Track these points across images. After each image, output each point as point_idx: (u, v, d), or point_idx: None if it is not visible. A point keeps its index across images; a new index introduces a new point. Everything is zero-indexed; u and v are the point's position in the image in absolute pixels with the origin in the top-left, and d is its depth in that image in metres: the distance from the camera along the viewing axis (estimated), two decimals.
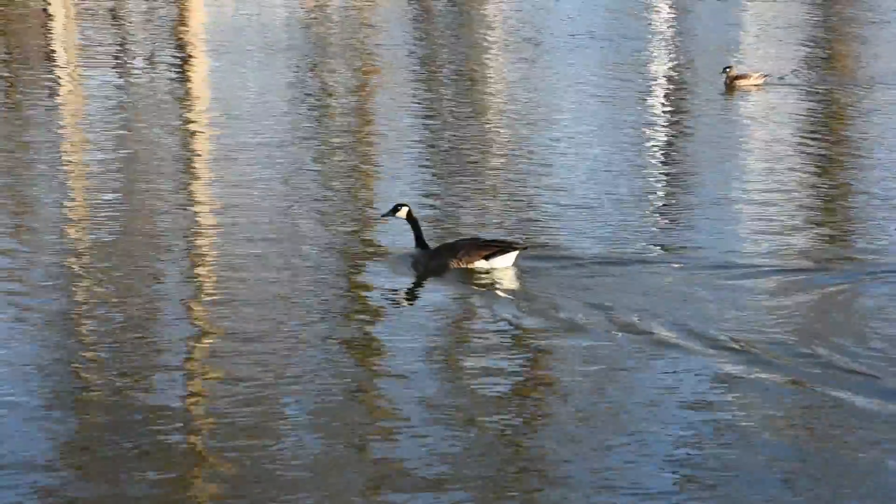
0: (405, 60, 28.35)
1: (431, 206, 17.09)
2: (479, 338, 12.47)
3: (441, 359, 12.03)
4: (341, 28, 33.11)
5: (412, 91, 25.29)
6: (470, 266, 14.15)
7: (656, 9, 36.53)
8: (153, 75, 25.96)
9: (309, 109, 23.20)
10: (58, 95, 23.62)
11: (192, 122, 21.92)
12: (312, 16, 34.56)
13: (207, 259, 14.63)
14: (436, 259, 14.32)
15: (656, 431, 10.45)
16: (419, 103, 24.19)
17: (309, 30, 32.48)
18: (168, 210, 16.28)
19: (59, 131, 20.82)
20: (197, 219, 16.15)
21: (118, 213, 16.08)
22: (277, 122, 21.71)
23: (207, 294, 13.47)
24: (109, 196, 16.70)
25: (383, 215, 14.87)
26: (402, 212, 14.49)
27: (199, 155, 19.69)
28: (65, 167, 18.41)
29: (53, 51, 28.21)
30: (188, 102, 23.71)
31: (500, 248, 14.23)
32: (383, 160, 19.70)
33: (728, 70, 24.76)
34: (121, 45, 29.18)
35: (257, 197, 16.95)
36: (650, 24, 34.13)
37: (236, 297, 13.30)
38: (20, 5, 33.79)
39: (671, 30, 33.46)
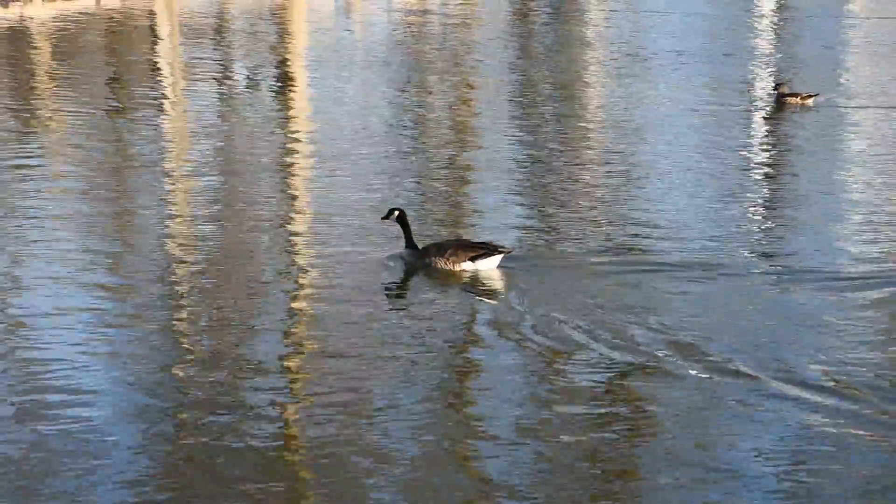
0: (504, 77, 28.41)
1: (529, 217, 17.18)
2: (576, 356, 12.42)
3: (531, 376, 11.97)
4: (441, 46, 33.30)
5: (511, 106, 25.36)
6: (457, 267, 14.51)
7: (759, 27, 36.25)
8: (255, 91, 26.31)
9: (408, 124, 23.34)
10: (162, 111, 24.01)
11: (293, 136, 22.16)
12: (413, 34, 34.80)
13: (307, 273, 14.74)
14: (424, 258, 14.71)
15: (754, 457, 10.36)
16: (517, 118, 24.23)
17: (409, 47, 32.71)
18: (268, 223, 16.40)
19: (163, 146, 21.15)
20: (296, 232, 16.29)
21: (219, 227, 16.24)
22: (376, 137, 21.88)
23: (306, 308, 13.59)
24: (211, 209, 16.84)
25: (382, 218, 15.23)
26: (394, 215, 14.96)
27: (299, 169, 19.89)
28: (168, 182, 18.68)
29: (158, 67, 28.70)
30: (289, 117, 23.99)
31: (486, 251, 14.58)
32: (482, 173, 19.76)
33: (779, 87, 24.86)
34: (224, 61, 29.62)
35: (356, 210, 17.07)
36: (752, 42, 33.87)
37: (336, 311, 13.38)
38: (129, 24, 34.46)
39: (773, 48, 33.15)
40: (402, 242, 14.96)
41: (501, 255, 14.60)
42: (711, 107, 24.89)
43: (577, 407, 11.07)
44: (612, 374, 11.82)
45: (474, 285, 14.21)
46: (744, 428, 10.68)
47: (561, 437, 10.49)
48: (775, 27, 36.66)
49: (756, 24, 36.98)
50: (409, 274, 14.62)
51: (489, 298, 13.80)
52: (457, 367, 11.99)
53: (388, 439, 10.32)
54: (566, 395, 11.34)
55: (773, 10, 39.90)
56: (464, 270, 14.50)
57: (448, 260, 14.54)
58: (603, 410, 11.08)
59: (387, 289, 14.25)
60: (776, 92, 24.94)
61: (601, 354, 12.21)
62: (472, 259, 14.54)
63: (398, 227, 15.06)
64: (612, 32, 35.66)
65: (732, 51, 31.72)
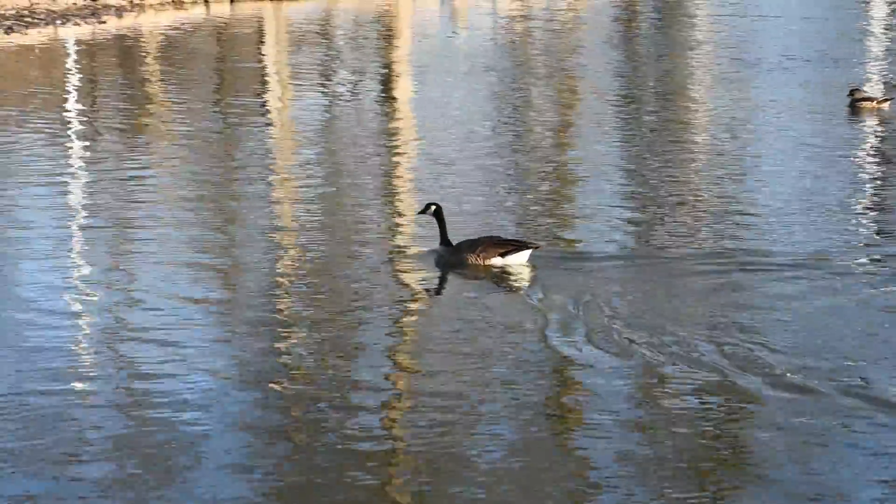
0: (608, 81, 28.31)
1: (630, 218, 17.14)
2: (683, 355, 12.32)
3: (635, 377, 11.90)
4: (545, 51, 33.28)
5: (614, 110, 25.27)
6: (487, 262, 14.80)
7: (870, 32, 35.66)
8: (359, 97, 26.52)
9: (512, 129, 23.35)
10: (268, 117, 24.30)
11: (397, 142, 22.30)
12: (517, 39, 34.83)
13: (409, 274, 14.81)
14: (457, 254, 15.00)
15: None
16: (621, 121, 24.15)
17: (513, 52, 32.74)
18: (373, 229, 16.45)
19: (269, 153, 21.40)
20: (399, 233, 16.38)
21: (325, 233, 16.30)
22: (480, 142, 21.93)
23: (410, 315, 13.65)
24: (316, 216, 16.86)
25: (418, 213, 15.61)
26: (431, 210, 15.30)
27: (402, 172, 20.01)
28: (274, 189, 18.88)
29: (265, 74, 29.06)
30: (393, 123, 24.13)
31: (516, 246, 14.90)
32: (585, 176, 19.72)
33: (855, 93, 24.42)
34: (329, 67, 29.91)
35: (460, 213, 17.12)
36: (862, 47, 33.34)
37: (440, 313, 13.45)
38: (237, 32, 34.96)
39: (884, 53, 32.59)
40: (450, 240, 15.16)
41: (531, 251, 14.93)
42: (817, 111, 24.57)
43: (677, 406, 10.97)
44: (712, 386, 11.68)
45: (574, 288, 14.16)
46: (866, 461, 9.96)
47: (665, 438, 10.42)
48: (887, 32, 36.01)
49: (867, 29, 36.39)
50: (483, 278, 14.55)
51: (584, 302, 13.72)
52: (554, 370, 11.95)
53: (491, 450, 10.26)
54: (668, 399, 11.25)
55: (886, 15, 39.22)
56: (494, 265, 14.78)
57: (479, 255, 14.88)
58: (702, 417, 10.96)
59: (474, 293, 14.21)
60: (850, 97, 24.46)
61: (699, 357, 12.08)
62: (503, 255, 14.87)
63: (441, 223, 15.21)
64: (718, 37, 35.34)
65: (842, 55, 31.25)
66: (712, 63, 30.84)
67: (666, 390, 11.32)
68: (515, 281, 14.44)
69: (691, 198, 18.27)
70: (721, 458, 10.13)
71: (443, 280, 14.50)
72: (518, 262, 14.88)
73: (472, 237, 15.32)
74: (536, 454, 10.14)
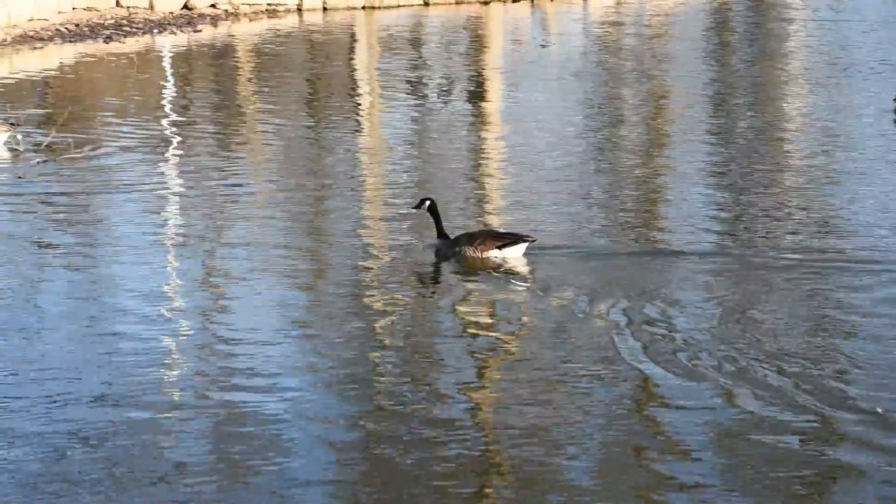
0: (699, 87, 28.15)
1: (721, 220, 17.15)
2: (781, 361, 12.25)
3: (717, 387, 11.83)
4: (636, 56, 33.17)
5: (705, 115, 25.17)
6: (484, 255, 15.10)
7: None
8: (450, 104, 26.64)
9: (601, 133, 23.32)
10: (359, 124, 24.49)
11: (486, 144, 22.40)
12: (608, 46, 34.75)
13: (491, 281, 14.87)
14: (455, 247, 15.27)
15: None
16: (712, 126, 24.03)
17: (604, 57, 32.67)
18: (462, 231, 16.45)
19: (360, 159, 21.58)
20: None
21: (416, 237, 16.38)
22: (568, 145, 21.96)
23: (494, 315, 13.71)
24: (406, 222, 16.83)
25: (413, 208, 15.88)
26: (425, 205, 15.55)
27: (491, 177, 20.09)
28: (363, 192, 19.05)
29: (356, 81, 29.31)
30: (482, 127, 24.23)
31: (513, 239, 15.21)
32: (675, 181, 19.69)
33: None
34: (419, 72, 30.08)
35: (546, 219, 17.17)
36: None
37: (524, 319, 13.48)
38: (329, 39, 35.30)
39: None
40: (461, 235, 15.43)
41: (527, 244, 15.23)
42: None
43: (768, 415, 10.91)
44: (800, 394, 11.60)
45: (654, 289, 14.13)
46: None
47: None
48: None
49: None
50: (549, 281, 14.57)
51: (678, 304, 13.69)
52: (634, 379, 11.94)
53: (577, 462, 10.25)
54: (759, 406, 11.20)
55: None
56: (492, 258, 15.07)
57: (477, 248, 15.18)
58: (792, 432, 10.88)
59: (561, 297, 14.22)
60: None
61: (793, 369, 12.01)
62: (500, 247, 15.17)
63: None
64: (814, 42, 34.98)
65: None
66: (805, 67, 30.52)
67: (756, 401, 11.16)
68: (602, 284, 14.42)
69: (781, 202, 18.13)
70: (810, 480, 10.03)
71: (531, 289, 14.40)
72: (514, 256, 15.21)
73: (469, 231, 15.69)
74: (620, 468, 10.13)
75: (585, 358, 12.11)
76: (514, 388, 11.40)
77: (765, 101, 26.72)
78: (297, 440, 10.29)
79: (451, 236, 15.51)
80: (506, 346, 12.59)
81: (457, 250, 15.32)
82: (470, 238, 15.38)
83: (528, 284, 14.31)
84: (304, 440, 10.30)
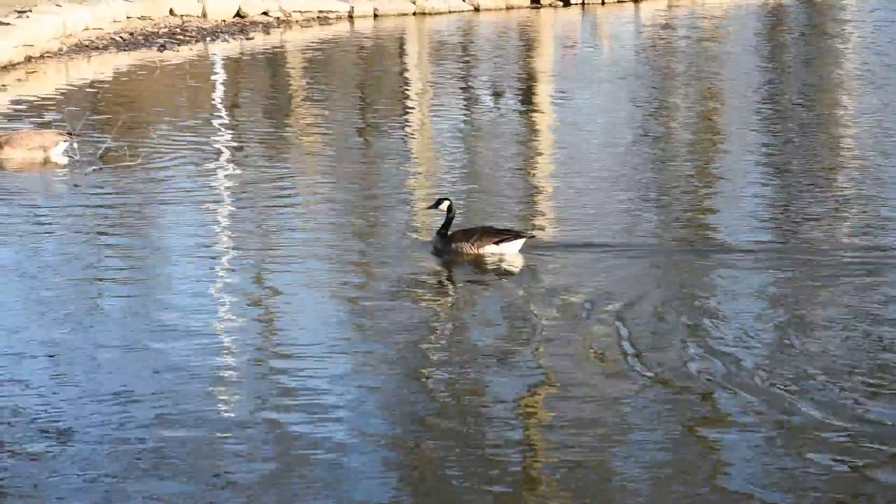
0: (751, 89, 27.99)
1: (778, 220, 17.16)
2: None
3: (772, 397, 11.74)
4: (688, 58, 33.01)
5: (757, 116, 25.04)
6: (480, 250, 15.29)
7: None
8: (500, 105, 26.63)
9: (652, 135, 23.24)
10: (409, 130, 24.51)
11: (536, 147, 22.39)
12: (660, 49, 34.62)
13: (548, 280, 14.86)
14: (451, 243, 15.45)
15: None
16: (764, 128, 23.91)
17: (655, 60, 32.55)
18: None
19: (410, 161, 21.64)
20: (544, 248, 16.42)
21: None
22: (620, 147, 21.92)
23: (554, 325, 13.68)
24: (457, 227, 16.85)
25: (428, 207, 16.17)
26: (444, 205, 15.80)
27: (542, 182, 20.08)
28: (414, 197, 19.07)
29: (407, 87, 29.36)
30: (533, 130, 24.21)
31: (510, 235, 15.38)
32: (727, 182, 19.61)
33: None
34: (470, 77, 30.10)
35: (598, 219, 17.13)
36: None
37: (588, 326, 13.45)
38: (380, 46, 35.42)
39: None
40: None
41: (524, 240, 15.39)
42: None
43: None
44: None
45: (711, 289, 14.04)
46: None
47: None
48: None
49: None
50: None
51: (730, 305, 13.61)
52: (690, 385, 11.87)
53: (632, 464, 10.21)
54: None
55: None
56: (489, 253, 15.28)
57: (473, 244, 15.35)
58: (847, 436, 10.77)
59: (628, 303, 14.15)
60: None
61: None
62: (497, 243, 15.33)
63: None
64: (870, 43, 34.67)
65: None
66: (861, 68, 30.25)
67: (814, 412, 11.05)
68: (658, 285, 14.37)
69: (838, 201, 18.04)
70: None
71: (596, 289, 14.34)
72: (511, 252, 15.35)
73: (465, 227, 15.86)
74: (678, 472, 10.07)
75: (651, 362, 12.06)
76: (569, 404, 11.26)
77: (819, 102, 26.52)
78: (351, 462, 10.19)
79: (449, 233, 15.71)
80: (558, 357, 12.53)
81: (453, 247, 15.46)
82: (466, 234, 15.55)
83: (580, 292, 14.23)
84: (359, 461, 10.20)
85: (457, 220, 16.07)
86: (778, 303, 13.72)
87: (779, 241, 16.22)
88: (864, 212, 17.43)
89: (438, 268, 15.33)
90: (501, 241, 15.37)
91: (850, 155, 21.40)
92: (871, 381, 11.47)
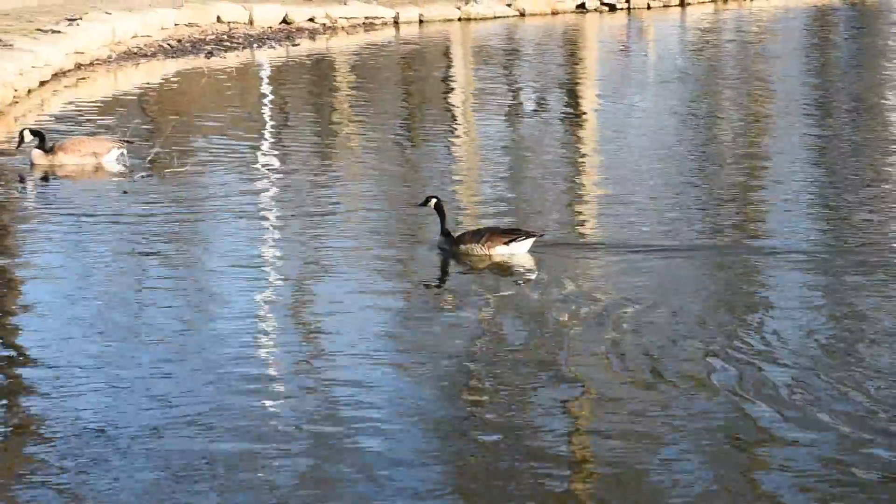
0: (799, 91, 27.86)
1: (826, 222, 17.21)
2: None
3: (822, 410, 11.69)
4: (734, 61, 32.90)
5: (805, 119, 24.94)
6: (492, 251, 15.37)
7: None
8: (545, 108, 26.64)
9: (699, 139, 23.19)
10: (453, 136, 24.55)
11: (582, 153, 22.40)
12: (706, 52, 34.50)
13: (599, 282, 14.87)
14: (460, 244, 15.53)
15: None
16: (811, 131, 23.81)
17: (701, 63, 32.44)
18: (563, 248, 16.32)
19: (454, 169, 21.68)
20: (582, 243, 16.43)
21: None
22: (665, 149, 21.90)
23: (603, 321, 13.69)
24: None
25: (418, 205, 16.26)
26: (432, 203, 15.93)
27: (586, 189, 20.08)
28: (459, 202, 19.11)
29: (451, 93, 29.42)
30: (578, 135, 24.20)
31: (520, 235, 15.46)
32: (775, 186, 19.58)
33: None
34: (515, 81, 30.13)
35: (645, 220, 17.12)
36: None
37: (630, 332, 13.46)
38: (424, 52, 35.50)
39: None
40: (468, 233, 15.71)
41: (534, 239, 15.48)
42: None
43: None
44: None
45: (759, 292, 14.00)
46: None
47: None
48: None
49: None
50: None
51: (778, 308, 13.57)
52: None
53: (675, 466, 10.23)
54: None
55: None
56: (499, 254, 15.37)
57: (483, 245, 15.43)
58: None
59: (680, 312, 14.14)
60: None
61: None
62: (507, 243, 15.40)
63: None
64: None
65: None
66: None
67: (861, 421, 11.00)
68: (709, 287, 14.34)
69: (886, 203, 17.95)
70: None
71: (652, 289, 14.35)
72: (521, 252, 15.44)
73: (472, 228, 15.96)
74: (721, 474, 10.06)
75: (693, 371, 12.05)
76: (619, 415, 11.21)
77: (867, 106, 26.34)
78: (395, 475, 10.16)
79: (454, 234, 15.81)
80: (605, 365, 12.53)
81: (462, 248, 15.53)
82: (476, 235, 15.62)
83: (629, 292, 14.22)
84: (404, 475, 10.17)
85: (504, 223, 16.13)
86: (827, 308, 13.66)
87: (829, 243, 16.17)
88: None
89: (482, 273, 15.35)
90: (511, 242, 15.45)
91: (893, 162, 21.30)
92: None
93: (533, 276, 15.08)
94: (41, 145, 20.77)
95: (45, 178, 20.40)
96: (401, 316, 13.82)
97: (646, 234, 16.50)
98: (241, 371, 12.13)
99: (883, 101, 26.76)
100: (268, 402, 11.48)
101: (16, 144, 21.07)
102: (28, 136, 20.85)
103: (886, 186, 19.34)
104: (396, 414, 11.18)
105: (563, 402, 11.45)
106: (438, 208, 15.92)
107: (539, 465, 10.14)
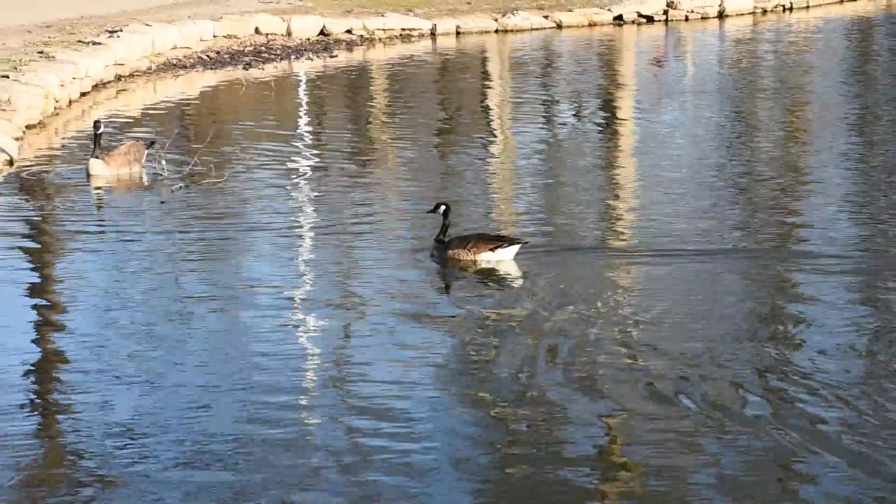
0: (838, 104, 27.76)
1: (861, 234, 17.19)
2: None
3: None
4: (773, 72, 32.79)
5: (842, 130, 24.84)
6: (477, 257, 15.60)
7: None
8: (582, 120, 26.66)
9: (736, 150, 23.14)
10: (489, 148, 24.57)
11: (616, 164, 22.42)
12: (744, 61, 34.41)
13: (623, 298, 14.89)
14: (448, 250, 15.79)
15: None
16: (848, 139, 23.71)
17: (740, 75, 32.35)
18: (598, 258, 16.42)
19: (490, 181, 21.73)
20: (618, 253, 16.46)
21: (540, 260, 16.34)
22: (703, 159, 21.92)
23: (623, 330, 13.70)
24: (536, 249, 16.61)
25: (428, 212, 16.57)
26: (441, 209, 16.23)
27: (622, 199, 20.11)
28: (496, 218, 19.15)
29: (487, 105, 29.47)
30: (614, 147, 24.21)
31: (505, 241, 15.69)
32: (813, 195, 19.60)
33: None
34: (551, 92, 30.15)
35: (680, 237, 17.14)
36: None
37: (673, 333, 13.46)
38: (462, 60, 35.57)
39: None
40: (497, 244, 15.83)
41: (519, 245, 15.67)
42: None
43: None
44: None
45: (799, 302, 13.99)
46: None
47: None
48: None
49: None
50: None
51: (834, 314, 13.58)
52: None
53: (708, 469, 10.26)
54: None
55: None
56: (484, 260, 15.59)
57: (470, 250, 15.65)
58: None
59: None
60: None
61: None
62: (492, 250, 15.61)
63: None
64: None
65: None
66: None
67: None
68: (741, 296, 14.34)
69: None
70: None
71: (675, 300, 14.40)
72: (507, 258, 15.64)
73: (461, 234, 16.14)
74: (751, 480, 10.06)
75: (718, 393, 12.04)
76: (661, 422, 11.25)
77: None
78: (434, 486, 10.20)
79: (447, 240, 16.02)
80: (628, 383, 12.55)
81: (449, 254, 15.74)
82: (462, 241, 15.83)
83: (658, 301, 14.25)
84: (442, 485, 10.22)
85: (534, 233, 16.16)
86: (864, 318, 13.62)
87: (865, 251, 16.16)
88: None
89: (516, 282, 15.40)
90: (497, 248, 15.66)
91: None
92: None
93: (560, 284, 15.14)
94: (95, 151, 21.04)
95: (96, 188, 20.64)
96: (436, 334, 13.65)
97: (674, 241, 16.55)
98: (275, 380, 12.23)
99: None
100: (300, 410, 11.62)
101: (93, 136, 21.27)
102: (101, 127, 21.21)
103: None
104: (423, 426, 11.26)
105: (599, 416, 11.49)
106: (445, 215, 16.16)
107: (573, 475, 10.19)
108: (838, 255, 15.81)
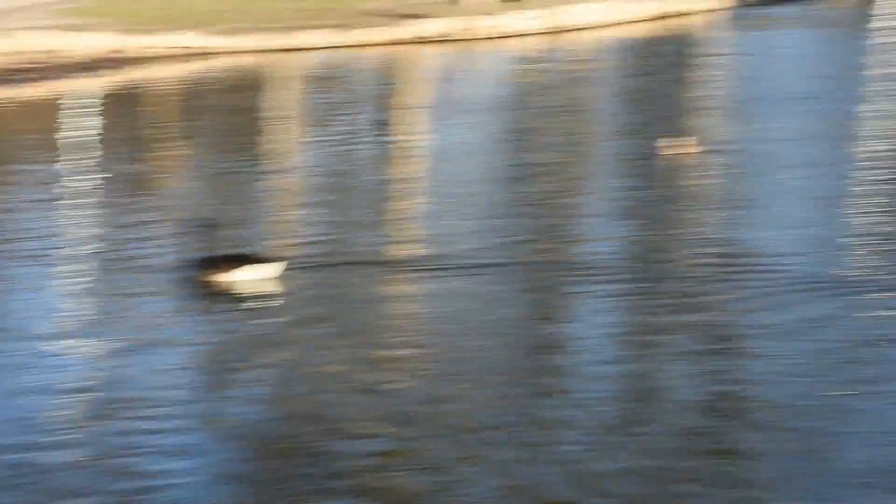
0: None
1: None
2: None
3: None
4: (556, 89, 33.07)
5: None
6: (218, 278, 15.41)
7: None
8: (365, 140, 26.40)
9: (516, 160, 23.19)
10: (273, 161, 24.03)
11: (401, 180, 22.25)
12: (531, 77, 34.67)
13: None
14: (198, 270, 15.61)
15: None
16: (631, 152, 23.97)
17: (517, 94, 32.57)
18: (368, 273, 16.20)
19: (267, 196, 21.28)
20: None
21: (312, 277, 16.08)
22: (484, 177, 21.87)
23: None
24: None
25: (198, 227, 16.16)
26: (207, 225, 16.06)
27: (402, 213, 19.94)
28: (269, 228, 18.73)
29: (270, 118, 29.01)
30: (399, 164, 23.99)
31: (246, 261, 15.56)
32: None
33: None
34: (334, 112, 29.83)
35: (456, 252, 17.06)
36: None
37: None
38: (247, 78, 35.01)
39: None
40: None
41: (275, 264, 15.54)
42: None
43: None
44: None
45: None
46: None
47: None
48: None
49: None
50: None
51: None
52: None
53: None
54: None
55: None
56: (231, 280, 15.47)
57: (221, 270, 15.47)
58: None
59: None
60: None
61: None
62: (230, 270, 15.49)
63: None
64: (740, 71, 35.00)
65: None
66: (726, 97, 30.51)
67: None
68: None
69: None
70: None
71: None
72: (245, 278, 15.42)
73: (208, 255, 15.77)
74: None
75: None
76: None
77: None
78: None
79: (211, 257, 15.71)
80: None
81: (200, 275, 15.46)
82: (207, 262, 15.56)
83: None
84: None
85: (307, 250, 15.93)
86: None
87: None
88: None
89: (276, 302, 15.03)
90: (234, 269, 15.44)
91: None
92: None
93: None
94: None
95: None
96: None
97: (450, 255, 16.51)
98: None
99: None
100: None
101: None
102: None
103: None
104: None
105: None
106: (209, 234, 15.78)
107: None
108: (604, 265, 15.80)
